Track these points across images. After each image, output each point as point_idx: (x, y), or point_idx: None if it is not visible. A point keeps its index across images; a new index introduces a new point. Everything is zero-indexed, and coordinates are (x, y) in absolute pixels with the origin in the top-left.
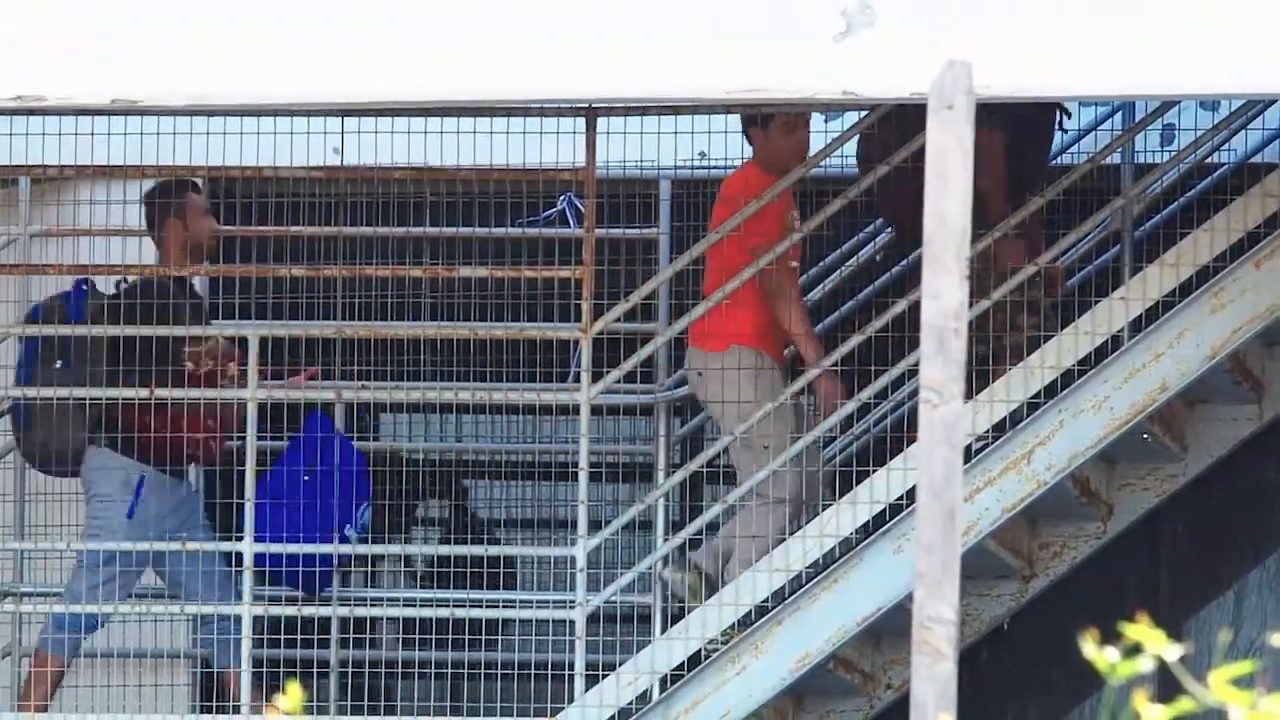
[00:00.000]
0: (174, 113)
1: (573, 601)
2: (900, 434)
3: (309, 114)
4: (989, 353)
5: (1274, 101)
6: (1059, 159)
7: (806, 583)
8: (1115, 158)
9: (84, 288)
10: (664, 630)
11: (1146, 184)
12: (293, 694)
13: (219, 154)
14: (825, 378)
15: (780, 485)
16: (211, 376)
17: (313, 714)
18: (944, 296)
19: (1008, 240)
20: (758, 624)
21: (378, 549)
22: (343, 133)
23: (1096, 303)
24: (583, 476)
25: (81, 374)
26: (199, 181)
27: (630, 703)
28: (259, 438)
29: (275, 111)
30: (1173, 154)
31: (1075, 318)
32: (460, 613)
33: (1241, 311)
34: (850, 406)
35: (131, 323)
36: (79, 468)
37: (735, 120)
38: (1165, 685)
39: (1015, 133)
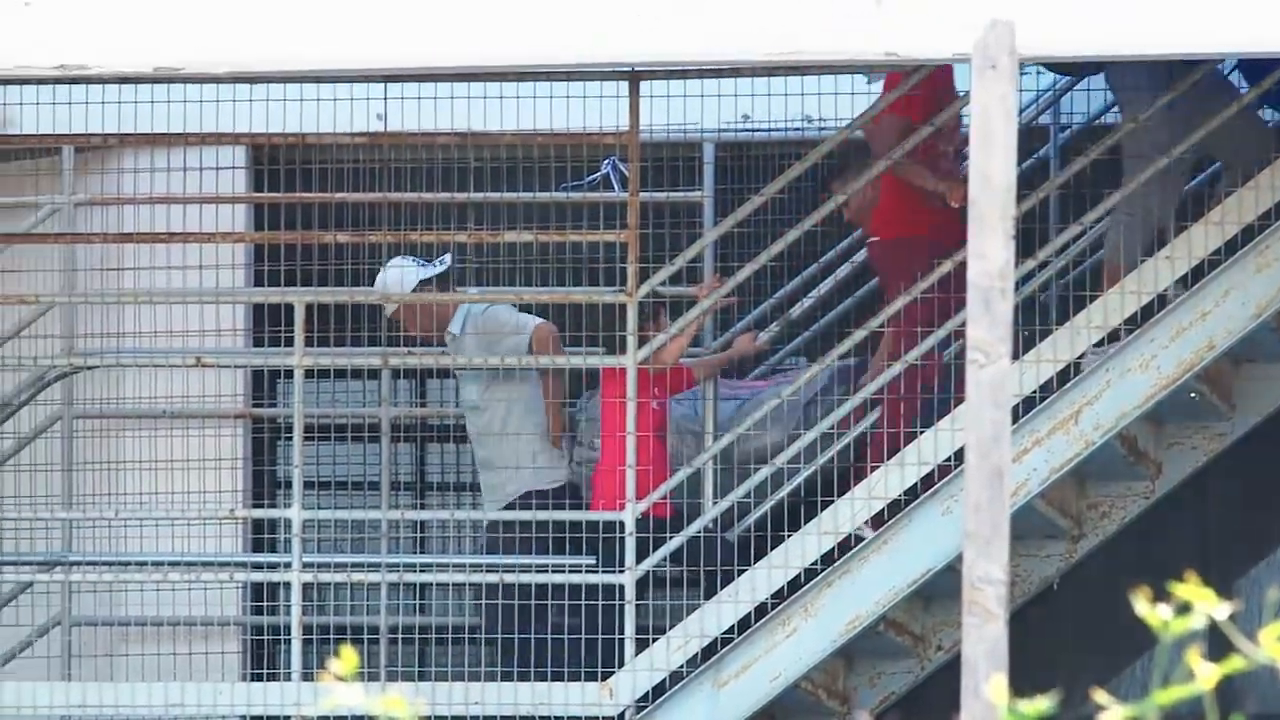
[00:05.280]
0: (217, 80)
1: (623, 567)
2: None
3: (352, 80)
4: None
5: None
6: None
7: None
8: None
9: None
10: (713, 594)
11: (1189, 143)
12: (346, 659)
13: (262, 122)
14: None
15: None
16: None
17: (364, 680)
18: (989, 256)
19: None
20: (808, 586)
21: (414, 514)
22: (386, 99)
23: (1143, 262)
24: (630, 439)
25: None
26: None
27: (681, 666)
28: None
29: (319, 78)
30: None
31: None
32: (510, 578)
33: None
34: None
35: None
36: None
37: (778, 83)
38: (1215, 644)
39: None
